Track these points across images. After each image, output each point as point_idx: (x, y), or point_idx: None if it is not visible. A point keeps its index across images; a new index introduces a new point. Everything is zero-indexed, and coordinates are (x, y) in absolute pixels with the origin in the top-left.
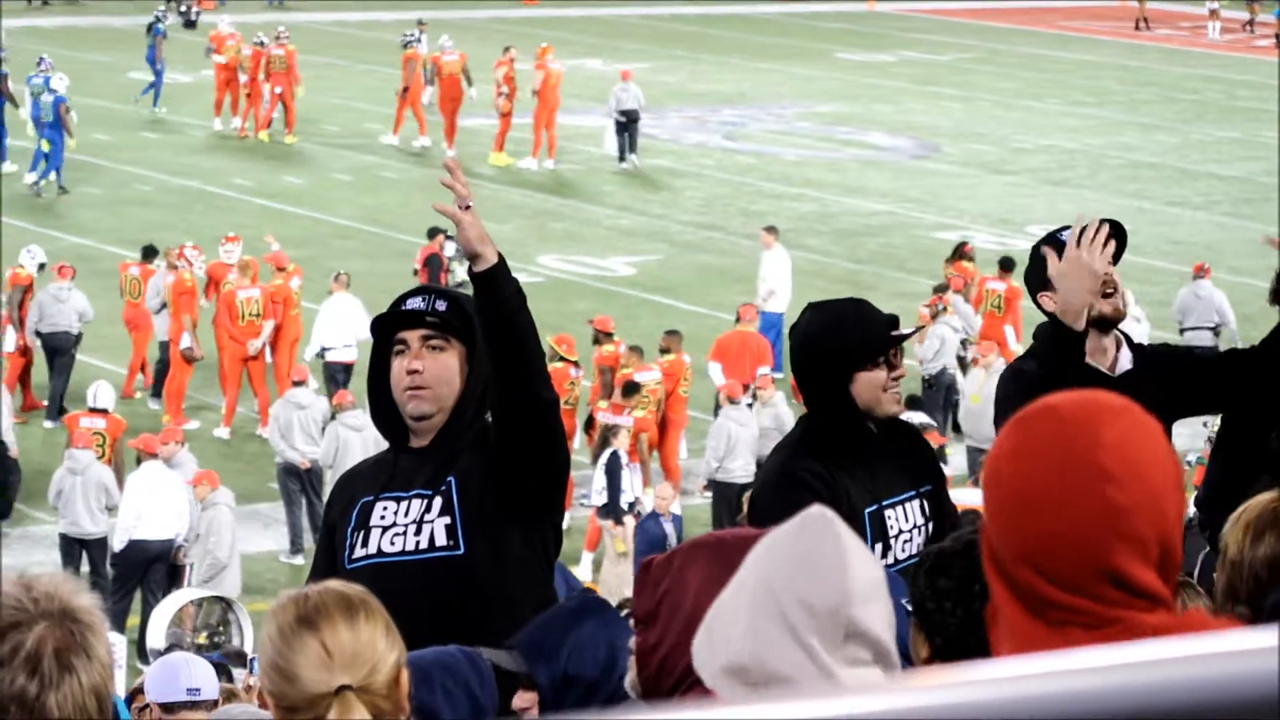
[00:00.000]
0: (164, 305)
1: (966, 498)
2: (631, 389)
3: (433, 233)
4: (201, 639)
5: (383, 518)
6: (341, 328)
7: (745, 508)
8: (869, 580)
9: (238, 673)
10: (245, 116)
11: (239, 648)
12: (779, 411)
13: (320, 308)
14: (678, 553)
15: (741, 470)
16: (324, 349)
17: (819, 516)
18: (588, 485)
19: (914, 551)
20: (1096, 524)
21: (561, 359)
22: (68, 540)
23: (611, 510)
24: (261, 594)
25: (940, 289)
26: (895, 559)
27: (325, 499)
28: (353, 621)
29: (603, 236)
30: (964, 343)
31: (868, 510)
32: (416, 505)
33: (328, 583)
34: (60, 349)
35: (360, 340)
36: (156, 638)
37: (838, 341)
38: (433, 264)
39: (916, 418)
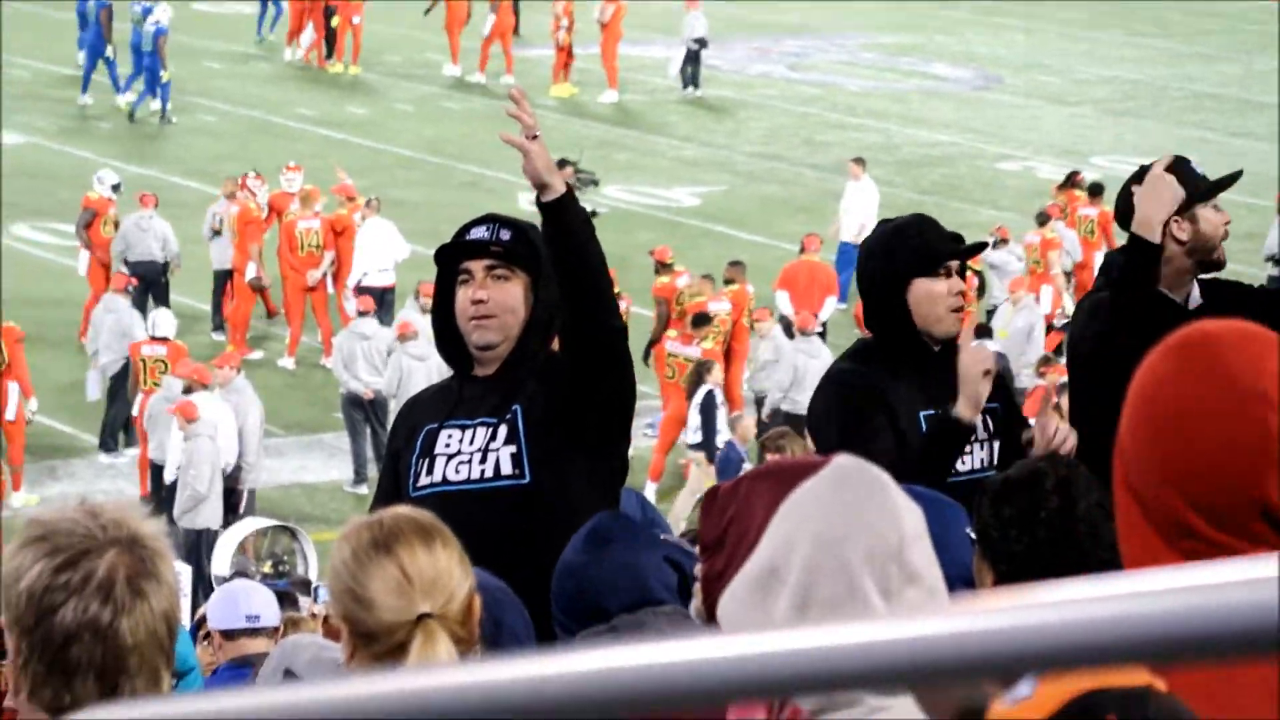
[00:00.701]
0: (216, 233)
1: None
2: (702, 320)
3: (561, 163)
4: (266, 568)
5: (447, 445)
6: (377, 252)
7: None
8: (916, 526)
9: (303, 601)
10: (313, 46)
11: (304, 576)
12: (778, 344)
13: (358, 236)
14: (743, 479)
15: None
16: (363, 274)
17: (855, 463)
18: (650, 415)
19: (976, 465)
20: (1257, 452)
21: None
22: (156, 466)
23: (706, 448)
24: (326, 523)
25: (1043, 219)
26: (955, 469)
27: (389, 427)
28: (430, 547)
29: (666, 167)
30: (1067, 275)
31: (923, 413)
32: (482, 433)
33: (400, 508)
34: (149, 278)
35: (397, 263)
36: (221, 566)
37: (895, 245)
38: None
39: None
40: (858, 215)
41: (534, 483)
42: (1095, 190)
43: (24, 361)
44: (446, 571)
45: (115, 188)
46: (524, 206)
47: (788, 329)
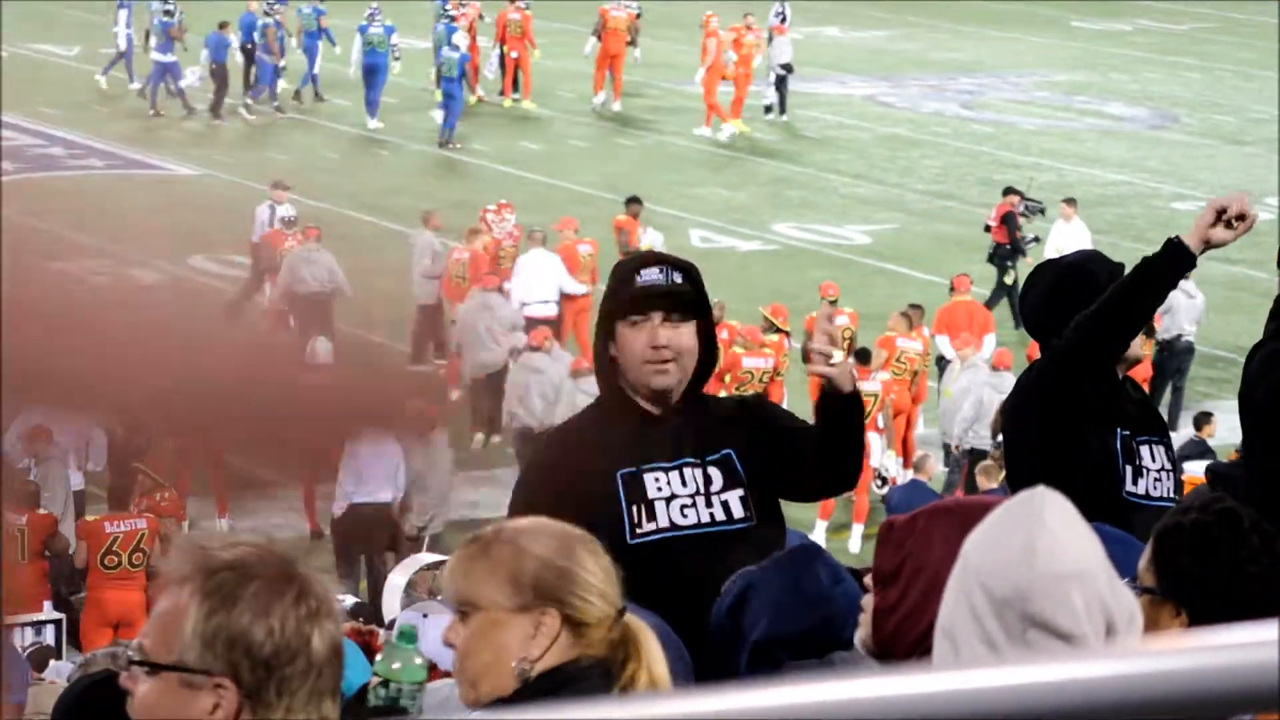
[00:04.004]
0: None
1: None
2: (864, 355)
3: (1007, 191)
4: (439, 601)
5: (660, 490)
6: (539, 284)
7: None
8: (1059, 574)
9: None
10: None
11: None
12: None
13: (516, 264)
14: (921, 515)
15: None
16: (522, 304)
17: (1026, 499)
18: None
19: (1165, 494)
20: None
21: (776, 329)
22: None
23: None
24: None
25: None
26: (1147, 493)
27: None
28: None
29: (838, 204)
30: None
31: (1122, 431)
32: (690, 475)
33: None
34: (315, 309)
35: (559, 297)
36: (393, 605)
37: (1088, 278)
38: (1009, 221)
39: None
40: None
41: (760, 525)
42: None
43: None
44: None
45: (286, 221)
46: (695, 244)
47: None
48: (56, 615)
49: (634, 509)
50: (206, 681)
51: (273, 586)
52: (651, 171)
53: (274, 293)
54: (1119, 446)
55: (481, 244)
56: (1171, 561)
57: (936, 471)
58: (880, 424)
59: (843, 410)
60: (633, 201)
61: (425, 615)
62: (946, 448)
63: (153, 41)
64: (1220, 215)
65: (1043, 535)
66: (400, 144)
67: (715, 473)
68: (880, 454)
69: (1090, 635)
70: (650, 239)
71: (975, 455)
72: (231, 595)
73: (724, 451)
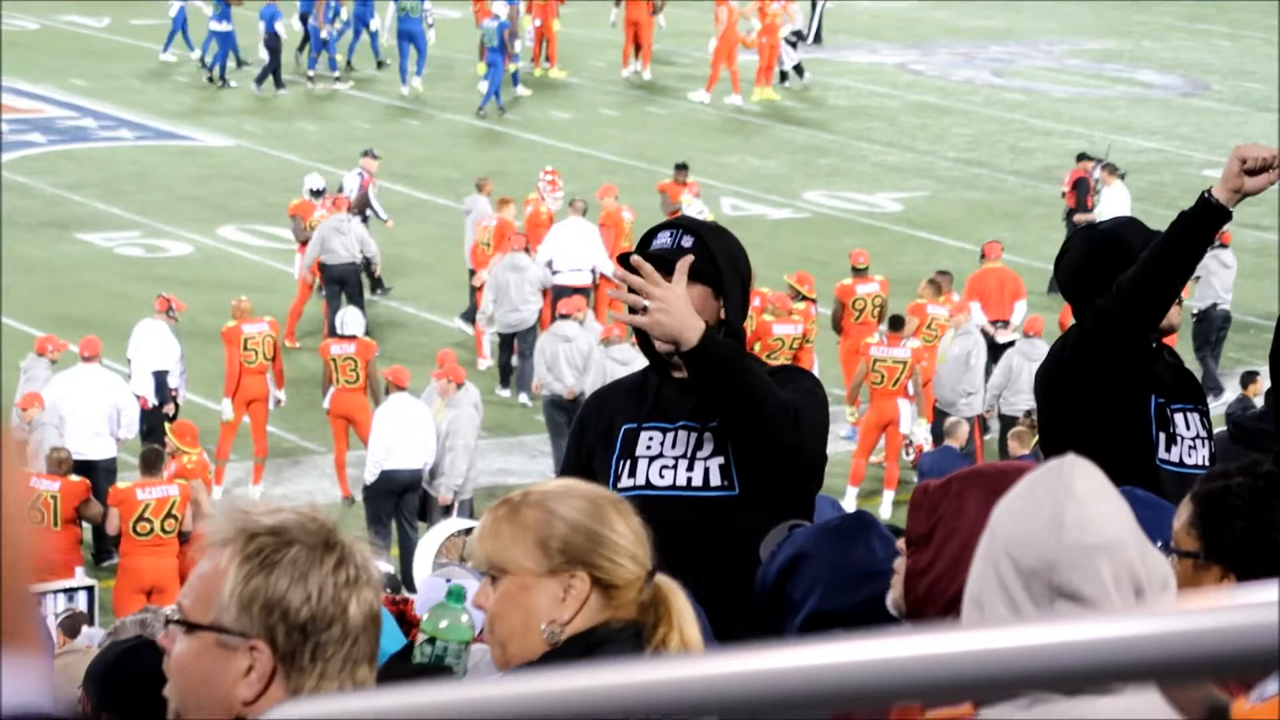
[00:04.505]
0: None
1: None
2: (898, 322)
3: (1080, 156)
4: (469, 567)
5: (649, 447)
6: (574, 252)
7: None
8: (1087, 545)
9: None
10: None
11: None
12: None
13: (552, 229)
14: (955, 479)
15: (1026, 402)
16: (553, 270)
17: (1055, 468)
18: (839, 421)
19: (1200, 462)
20: None
21: (803, 297)
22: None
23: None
24: None
25: None
26: (1181, 460)
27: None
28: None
29: (869, 172)
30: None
31: (1156, 399)
32: (684, 438)
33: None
34: (346, 280)
35: (593, 266)
36: (424, 570)
37: (1123, 245)
38: (1080, 187)
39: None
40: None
41: (743, 494)
42: None
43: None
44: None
45: (315, 193)
46: (725, 211)
47: (987, 337)
48: (89, 581)
49: (620, 463)
50: (242, 644)
51: (312, 553)
52: (682, 140)
53: (303, 263)
54: (1153, 413)
55: (510, 213)
56: (1220, 525)
57: (966, 438)
58: (910, 391)
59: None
60: (680, 168)
61: (448, 580)
62: (939, 412)
63: (209, 11)
64: (1244, 163)
65: (1071, 506)
66: (431, 114)
67: (708, 438)
68: (910, 421)
69: (1117, 605)
70: (693, 208)
71: (1005, 421)
72: (270, 560)
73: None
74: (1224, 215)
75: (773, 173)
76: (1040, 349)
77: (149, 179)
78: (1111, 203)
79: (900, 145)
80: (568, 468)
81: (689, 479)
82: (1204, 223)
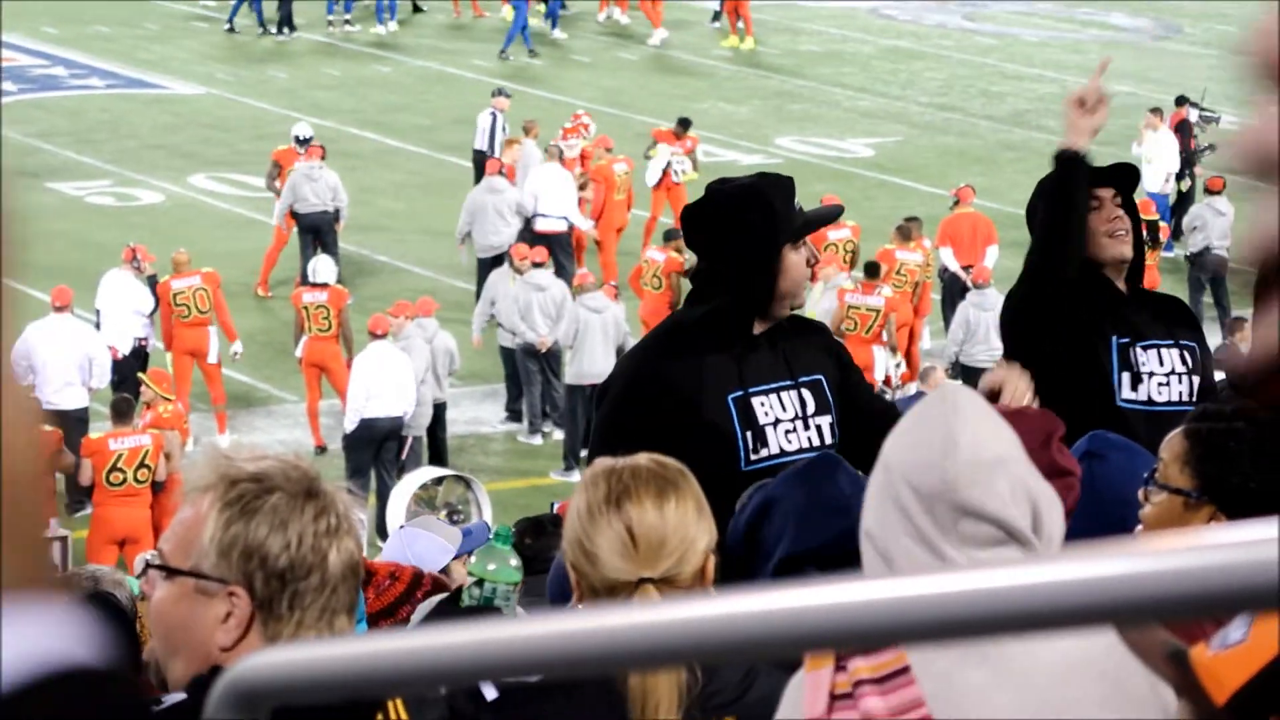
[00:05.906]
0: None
1: None
2: (873, 269)
3: (1180, 100)
4: (441, 516)
5: (766, 414)
6: (554, 199)
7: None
8: (984, 460)
9: None
10: None
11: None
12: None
13: (531, 172)
14: None
15: (986, 356)
16: (537, 215)
17: (939, 396)
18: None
19: (1174, 398)
20: None
21: None
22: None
23: None
24: (500, 474)
25: None
26: (1150, 398)
27: (565, 378)
28: (663, 504)
29: (841, 118)
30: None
31: (1119, 340)
32: (788, 398)
33: (641, 457)
34: (318, 228)
35: (564, 214)
36: (397, 517)
37: (1046, 189)
38: (1183, 130)
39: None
40: (1164, 164)
41: (843, 450)
42: None
43: (225, 306)
44: (677, 530)
45: (300, 140)
46: (698, 158)
47: (957, 283)
48: (62, 532)
49: (747, 435)
50: (220, 590)
51: (293, 500)
52: (653, 85)
53: (276, 210)
54: (1115, 355)
55: (513, 158)
56: (1222, 467)
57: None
58: (885, 338)
59: None
60: (682, 123)
61: (402, 528)
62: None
63: None
64: (1082, 106)
65: (962, 427)
66: (403, 60)
67: (809, 396)
68: (884, 368)
69: (1019, 518)
70: (668, 161)
71: (967, 372)
72: (251, 506)
73: (816, 376)
74: (1081, 162)
75: (745, 118)
76: (992, 298)
77: (120, 127)
78: (1157, 145)
79: (872, 90)
80: (628, 434)
81: (809, 440)
82: (1066, 178)
